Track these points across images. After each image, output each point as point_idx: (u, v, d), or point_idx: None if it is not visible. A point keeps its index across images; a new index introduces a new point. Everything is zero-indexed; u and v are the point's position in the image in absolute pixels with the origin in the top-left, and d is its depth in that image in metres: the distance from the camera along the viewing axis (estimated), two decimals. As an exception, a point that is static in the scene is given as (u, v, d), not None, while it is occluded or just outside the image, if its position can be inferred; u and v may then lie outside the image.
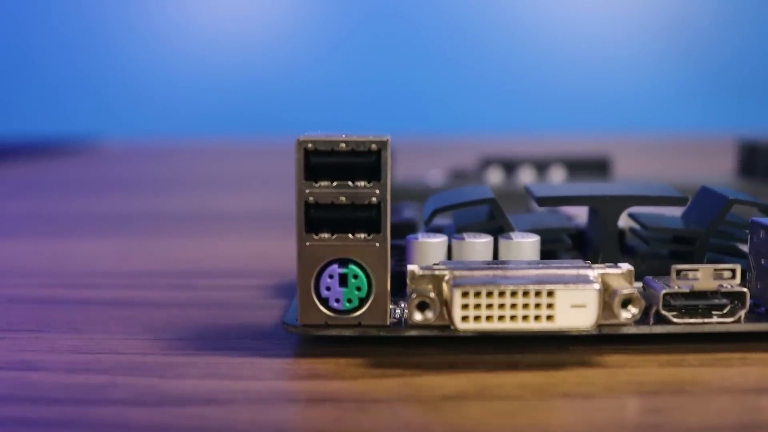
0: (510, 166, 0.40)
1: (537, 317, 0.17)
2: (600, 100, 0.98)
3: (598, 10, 1.00)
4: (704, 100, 0.99)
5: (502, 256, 0.20)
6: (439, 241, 0.20)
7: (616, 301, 0.17)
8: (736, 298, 0.18)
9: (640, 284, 0.19)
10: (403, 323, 0.18)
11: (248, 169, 0.67)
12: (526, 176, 0.39)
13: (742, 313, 0.18)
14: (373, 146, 0.17)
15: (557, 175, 0.39)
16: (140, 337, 0.20)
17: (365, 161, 0.17)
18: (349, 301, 0.18)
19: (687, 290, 0.18)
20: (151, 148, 0.85)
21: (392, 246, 0.18)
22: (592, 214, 0.22)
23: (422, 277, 0.18)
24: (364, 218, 0.17)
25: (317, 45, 0.99)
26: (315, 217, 0.18)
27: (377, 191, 0.17)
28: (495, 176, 0.39)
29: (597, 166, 0.41)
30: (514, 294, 0.17)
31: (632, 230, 0.22)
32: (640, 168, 0.53)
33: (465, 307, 0.17)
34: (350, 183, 0.17)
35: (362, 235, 0.17)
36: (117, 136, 0.92)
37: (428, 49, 0.99)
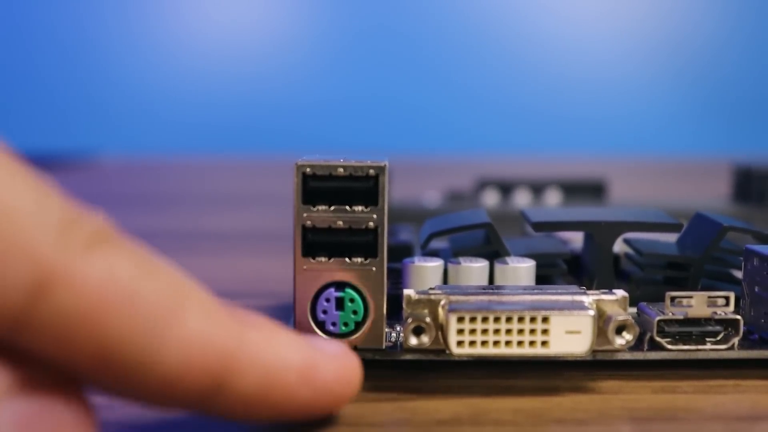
0: (506, 188, 0.40)
1: (532, 343, 0.17)
2: (596, 122, 0.99)
3: (595, 33, 1.00)
4: (700, 123, 1.00)
5: (498, 281, 0.20)
6: (435, 265, 0.20)
7: (611, 328, 0.17)
8: (729, 325, 0.19)
9: (634, 310, 0.19)
10: (398, 347, 0.19)
11: (246, 187, 0.67)
12: (522, 198, 0.39)
13: (736, 340, 0.19)
14: (371, 171, 0.17)
15: (553, 198, 0.39)
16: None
17: (363, 186, 0.18)
18: (346, 324, 0.18)
19: (681, 317, 0.18)
20: (149, 163, 0.85)
21: (388, 269, 0.18)
22: (588, 239, 0.22)
23: (418, 301, 0.18)
24: (361, 243, 0.18)
25: (315, 63, 0.99)
26: (312, 241, 0.18)
27: (374, 216, 0.17)
28: (491, 198, 0.39)
29: (593, 189, 0.41)
30: (509, 319, 0.17)
31: (627, 256, 0.23)
32: (636, 191, 0.53)
33: (460, 332, 0.17)
34: (348, 207, 0.18)
35: (359, 260, 0.18)
36: (115, 152, 0.92)
37: (425, 68, 0.99)
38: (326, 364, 0.15)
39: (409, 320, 0.17)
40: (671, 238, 0.22)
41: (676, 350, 0.19)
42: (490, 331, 0.17)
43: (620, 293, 0.18)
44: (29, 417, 0.11)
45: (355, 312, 0.18)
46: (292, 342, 0.15)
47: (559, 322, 0.17)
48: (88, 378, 0.12)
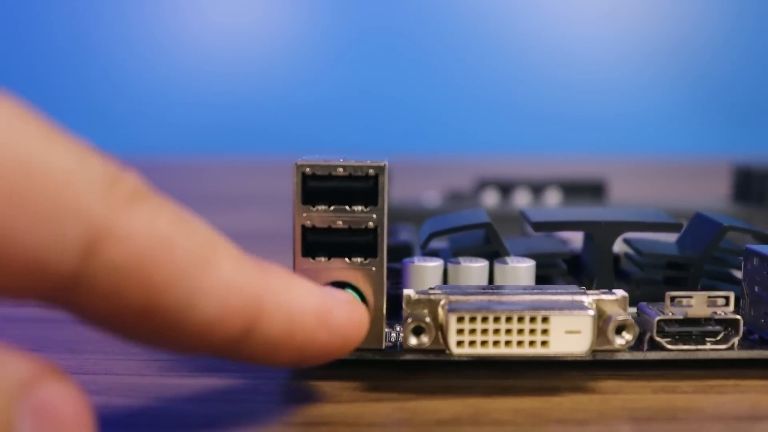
0: (506, 188, 0.40)
1: (532, 342, 0.17)
2: (596, 122, 0.99)
3: (594, 34, 1.00)
4: (700, 123, 1.00)
5: (498, 281, 0.20)
6: (435, 265, 0.20)
7: (611, 328, 0.17)
8: (729, 325, 0.19)
9: (634, 310, 0.19)
10: (398, 347, 0.18)
11: (246, 187, 0.67)
12: (521, 198, 0.39)
13: (736, 340, 0.19)
14: (371, 171, 0.17)
15: (553, 198, 0.39)
16: (136, 358, 0.20)
17: (363, 186, 0.17)
18: (345, 324, 0.18)
19: (681, 317, 0.18)
20: (149, 164, 0.85)
21: (388, 269, 0.18)
22: (587, 239, 0.22)
23: (418, 301, 0.18)
24: (360, 243, 0.18)
25: (315, 63, 0.99)
26: (312, 241, 0.18)
27: (374, 216, 0.17)
28: (491, 198, 0.39)
29: (593, 189, 0.41)
30: (509, 319, 0.17)
31: (627, 256, 0.23)
32: (636, 191, 0.53)
33: (460, 332, 0.17)
34: (347, 207, 0.17)
35: (359, 260, 0.18)
36: (115, 152, 0.92)
37: (425, 69, 0.99)
38: (339, 309, 0.16)
39: (409, 320, 0.17)
40: (671, 238, 0.22)
41: (675, 350, 0.18)
42: (490, 331, 0.17)
43: (620, 293, 0.18)
44: (46, 407, 0.11)
45: (354, 312, 0.18)
46: (308, 288, 0.16)
47: (558, 322, 0.17)
48: (132, 329, 0.13)
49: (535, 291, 0.18)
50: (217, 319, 0.13)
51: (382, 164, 0.17)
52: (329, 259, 0.18)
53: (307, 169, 0.17)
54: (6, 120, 0.12)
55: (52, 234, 0.11)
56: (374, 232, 0.18)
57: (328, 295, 0.16)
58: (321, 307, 0.15)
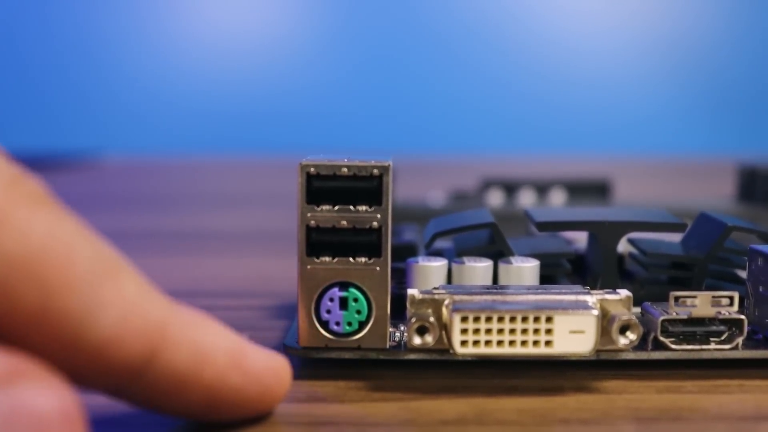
0: (510, 188, 0.40)
1: (536, 342, 0.17)
2: (601, 122, 0.98)
3: (600, 33, 1.00)
4: (705, 123, 1.00)
5: (502, 281, 0.20)
6: (440, 264, 0.20)
7: (615, 327, 0.17)
8: (734, 325, 0.19)
9: (638, 310, 0.19)
10: (402, 347, 0.19)
11: (250, 187, 0.67)
12: (526, 198, 0.39)
13: (740, 340, 0.18)
14: (375, 171, 0.17)
15: (557, 198, 0.39)
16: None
17: (367, 186, 0.18)
18: (349, 324, 0.18)
19: (685, 317, 0.18)
20: (153, 164, 0.85)
21: (392, 269, 0.18)
22: (592, 239, 0.22)
23: (422, 301, 0.18)
24: (365, 242, 0.18)
25: (319, 63, 0.99)
26: (316, 241, 0.18)
27: (378, 216, 0.18)
28: (495, 198, 0.39)
29: (597, 189, 0.41)
30: (513, 319, 0.17)
31: (631, 255, 0.23)
32: (641, 191, 0.53)
33: (464, 331, 0.17)
34: (352, 207, 0.18)
35: (363, 259, 0.18)
36: (119, 152, 0.92)
37: (429, 68, 0.99)
38: (254, 353, 0.15)
39: (413, 320, 0.17)
40: (675, 237, 0.22)
41: (680, 350, 0.18)
42: (494, 331, 0.17)
43: (624, 293, 0.18)
44: (19, 409, 0.11)
45: (358, 311, 0.18)
46: (221, 329, 0.15)
47: (562, 322, 0.17)
48: (23, 337, 0.12)
49: (540, 291, 0.18)
50: (115, 337, 0.13)
51: (386, 164, 0.17)
52: (333, 258, 0.18)
53: (312, 169, 0.17)
54: None
55: None
56: (378, 231, 0.18)
57: (244, 341, 0.15)
58: (233, 347, 0.15)
